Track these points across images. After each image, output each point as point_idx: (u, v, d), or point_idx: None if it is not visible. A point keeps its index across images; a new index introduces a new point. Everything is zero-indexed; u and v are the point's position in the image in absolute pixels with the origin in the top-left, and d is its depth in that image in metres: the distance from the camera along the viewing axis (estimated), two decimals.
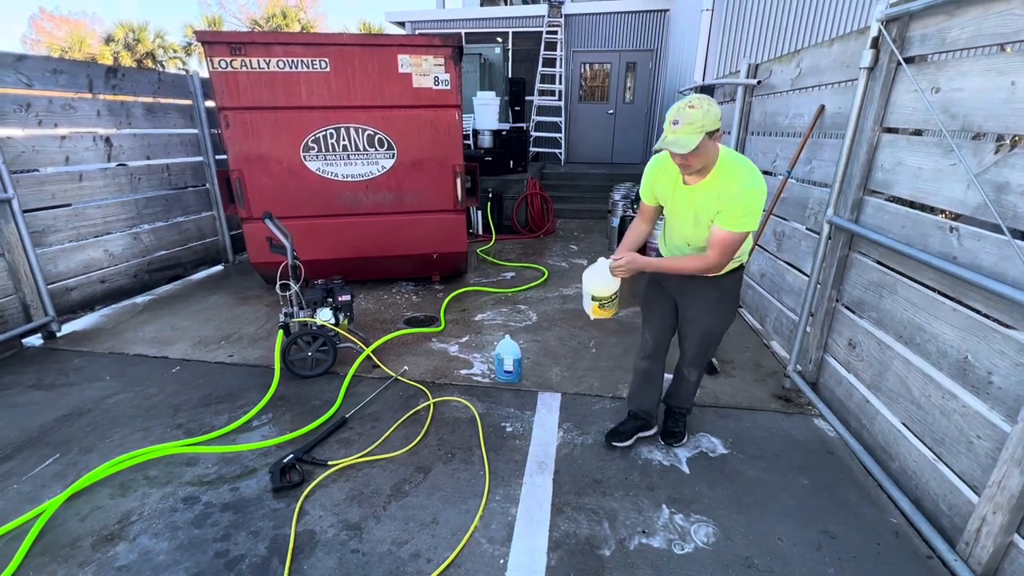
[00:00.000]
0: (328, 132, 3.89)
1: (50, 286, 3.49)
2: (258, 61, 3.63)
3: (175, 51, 21.39)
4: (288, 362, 2.85)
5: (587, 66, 9.82)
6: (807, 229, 2.96)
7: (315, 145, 3.90)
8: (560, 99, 9.26)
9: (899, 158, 2.11)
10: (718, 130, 1.65)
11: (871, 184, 2.30)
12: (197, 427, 2.43)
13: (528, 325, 3.67)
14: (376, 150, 3.99)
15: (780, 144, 3.38)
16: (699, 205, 1.81)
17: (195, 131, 4.87)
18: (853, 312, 2.42)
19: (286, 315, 2.95)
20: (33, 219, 3.43)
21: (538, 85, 9.16)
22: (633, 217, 4.83)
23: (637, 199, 5.26)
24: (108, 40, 20.75)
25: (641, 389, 2.32)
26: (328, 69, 3.72)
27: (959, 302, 1.78)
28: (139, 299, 4.20)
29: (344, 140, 3.93)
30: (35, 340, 3.41)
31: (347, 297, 3.10)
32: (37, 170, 3.56)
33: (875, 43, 2.18)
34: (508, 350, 2.85)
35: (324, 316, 2.94)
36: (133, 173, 4.24)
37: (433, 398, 2.68)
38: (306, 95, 3.76)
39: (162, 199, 4.53)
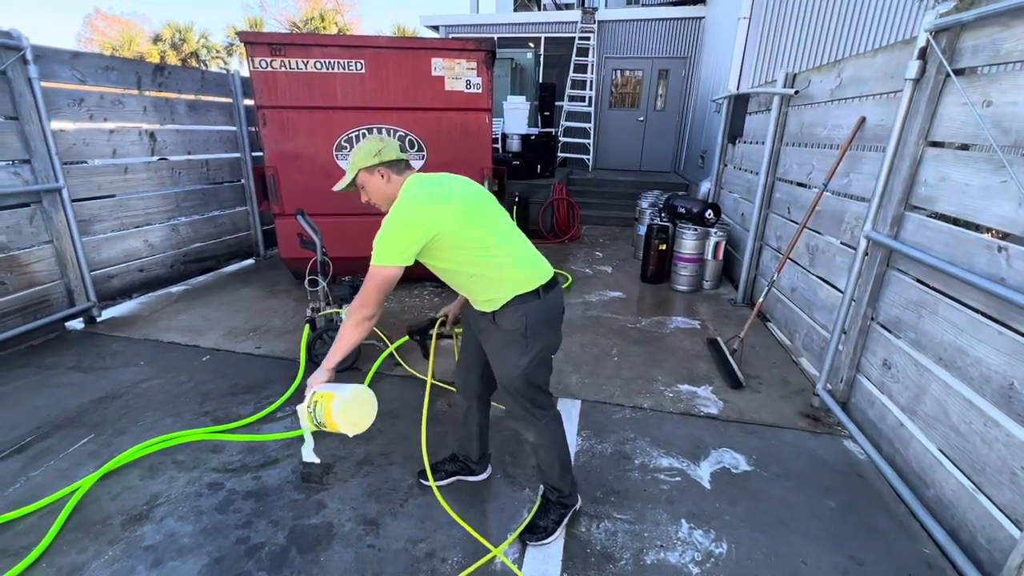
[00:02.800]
0: (361, 132, 3.96)
1: (93, 273, 3.64)
2: (296, 62, 3.73)
3: (218, 51, 22.16)
4: (313, 356, 2.91)
5: (618, 73, 9.77)
6: (842, 244, 2.87)
7: (348, 145, 3.98)
8: (590, 105, 9.23)
9: (944, 173, 2.03)
10: (377, 165, 1.56)
11: (913, 199, 2.22)
12: (224, 415, 2.50)
13: None
14: (407, 151, 4.05)
15: (816, 156, 3.29)
16: None
17: (234, 128, 5.02)
18: (889, 331, 2.33)
19: (313, 310, 3.01)
20: (81, 208, 3.59)
21: (568, 91, 9.16)
22: (660, 225, 4.79)
23: (665, 207, 5.20)
24: (156, 39, 21.65)
25: (460, 429, 2.08)
26: (363, 71, 3.80)
27: (1006, 325, 1.70)
28: (174, 288, 4.35)
29: None
30: (77, 324, 3.57)
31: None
32: (86, 162, 3.73)
33: (922, 54, 2.10)
34: None
35: None
36: (174, 167, 4.40)
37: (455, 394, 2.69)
38: (341, 96, 3.85)
39: (200, 193, 4.69)
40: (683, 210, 4.82)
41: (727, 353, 3.13)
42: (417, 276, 4.57)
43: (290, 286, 4.44)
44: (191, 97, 4.53)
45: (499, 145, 7.02)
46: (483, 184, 4.14)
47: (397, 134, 3.99)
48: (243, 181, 5.20)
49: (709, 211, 4.57)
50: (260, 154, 5.04)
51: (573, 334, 3.59)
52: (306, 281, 2.96)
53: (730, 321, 3.89)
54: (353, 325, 1.55)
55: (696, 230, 4.46)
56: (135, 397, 2.64)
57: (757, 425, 2.56)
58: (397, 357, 3.09)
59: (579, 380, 2.94)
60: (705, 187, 6.00)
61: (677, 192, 6.27)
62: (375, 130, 3.97)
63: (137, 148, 4.04)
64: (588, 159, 9.55)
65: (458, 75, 3.90)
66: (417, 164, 4.08)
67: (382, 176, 1.59)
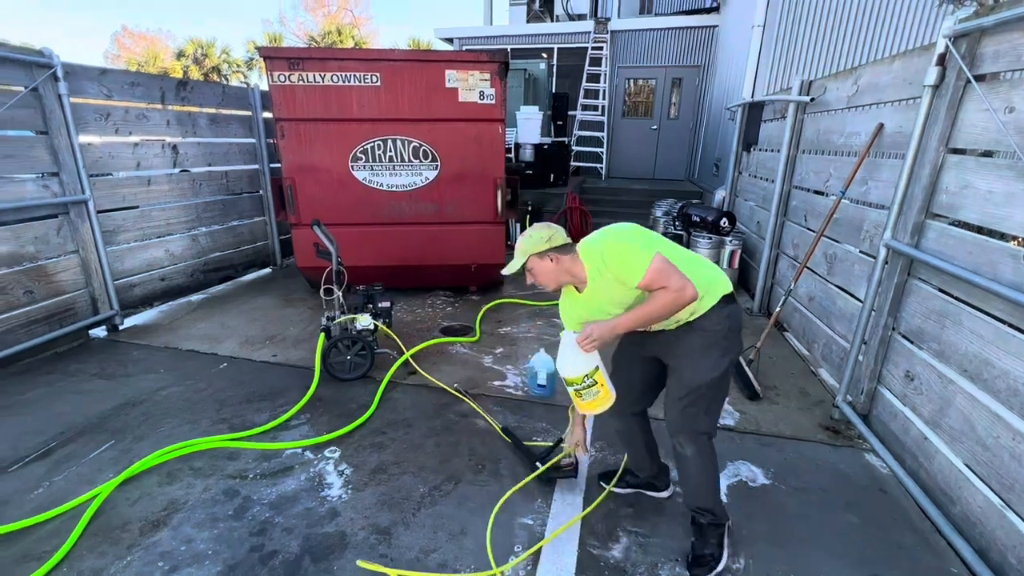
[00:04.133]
0: (376, 143, 4.02)
1: (116, 282, 3.73)
2: (314, 75, 3.81)
3: (238, 65, 22.73)
4: (328, 364, 2.94)
5: (631, 82, 9.79)
6: (861, 252, 2.82)
7: (363, 156, 4.04)
8: (603, 114, 9.25)
9: (966, 180, 1.99)
10: (548, 250, 1.65)
11: (934, 207, 2.17)
12: (240, 423, 2.53)
13: None
14: (421, 162, 4.10)
15: (834, 164, 3.25)
16: (603, 296, 1.67)
17: (253, 140, 5.14)
18: (911, 342, 2.27)
19: (328, 319, 3.04)
20: (105, 219, 3.69)
21: (581, 100, 9.19)
22: (675, 234, 4.76)
23: (679, 216, 5.17)
24: (179, 55, 22.29)
25: (626, 448, 2.08)
26: (379, 83, 3.87)
27: None
28: (194, 297, 4.44)
29: (391, 151, 4.06)
30: (100, 332, 3.66)
31: (386, 304, 3.17)
32: (110, 174, 3.85)
33: (942, 60, 2.07)
34: (542, 364, 2.83)
35: (363, 321, 3.01)
36: (195, 179, 4.51)
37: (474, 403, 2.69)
38: (357, 108, 3.91)
39: (220, 204, 4.80)
40: (697, 218, 4.78)
41: (743, 363, 3.09)
42: (429, 284, 4.61)
43: (306, 295, 4.50)
44: (212, 110, 4.65)
45: (512, 155, 7.07)
46: (496, 193, 4.18)
47: (412, 144, 4.04)
48: (261, 192, 5.30)
49: (724, 219, 4.53)
50: (278, 165, 5.15)
51: None
52: (322, 290, 3.00)
53: (746, 331, 3.81)
54: (672, 299, 1.51)
55: (711, 238, 4.42)
56: (154, 404, 2.69)
57: (775, 437, 2.51)
58: (413, 364, 3.10)
59: None
60: (719, 195, 5.95)
61: (691, 200, 6.23)
62: (390, 141, 4.02)
63: (160, 160, 4.15)
64: (601, 168, 9.55)
65: (472, 86, 3.95)
66: (432, 174, 4.13)
67: (551, 260, 1.68)
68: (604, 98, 9.20)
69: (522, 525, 1.92)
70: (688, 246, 4.59)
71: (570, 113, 9.10)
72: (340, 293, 3.02)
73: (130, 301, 3.93)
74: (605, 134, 9.39)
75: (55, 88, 3.22)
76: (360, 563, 1.71)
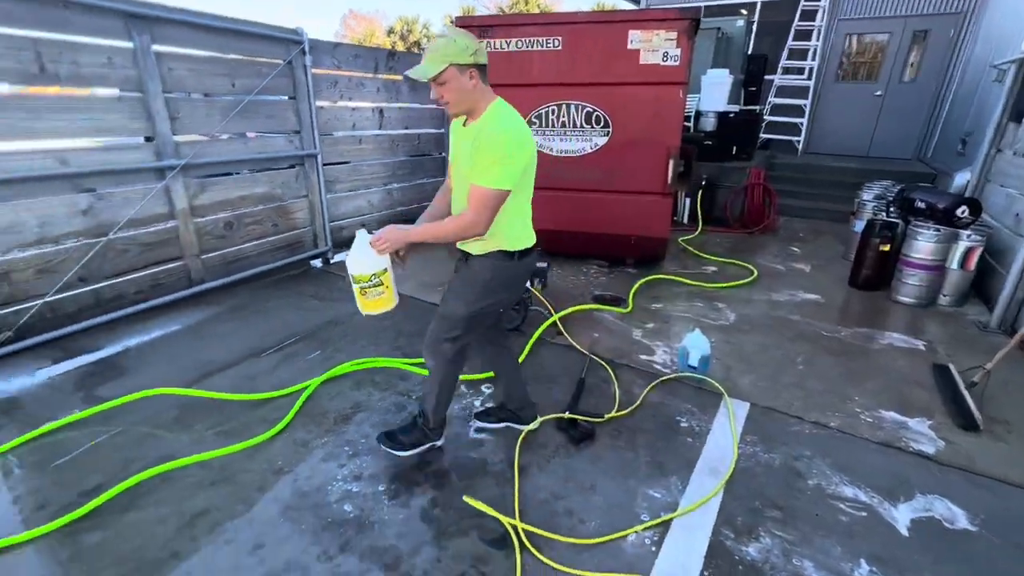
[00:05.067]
0: (550, 108, 4.10)
1: (331, 224, 4.54)
2: (500, 42, 4.00)
3: (433, 40, 24.98)
4: None
5: (853, 38, 8.17)
6: None
7: (537, 120, 4.16)
8: (809, 78, 7.95)
9: None
10: (471, 65, 1.53)
11: None
12: (411, 351, 2.92)
13: (724, 325, 3.36)
14: (592, 127, 4.06)
15: None
16: (465, 149, 1.65)
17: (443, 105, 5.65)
18: None
19: None
20: (327, 171, 4.47)
21: (784, 62, 8.01)
22: (886, 222, 3.94)
23: (896, 200, 4.27)
24: (389, 32, 25.35)
25: (494, 372, 2.22)
26: (560, 47, 3.89)
27: None
28: None
29: (564, 116, 4.09)
30: (317, 263, 4.51)
31: (543, 264, 3.29)
32: (331, 134, 4.62)
33: None
34: (696, 344, 2.67)
35: None
36: (394, 140, 5.17)
37: (614, 372, 2.69)
38: (536, 72, 4.01)
39: (410, 163, 5.44)
40: (923, 205, 3.89)
41: (961, 386, 2.50)
42: (586, 252, 4.61)
43: None
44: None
45: (691, 123, 6.55)
46: (667, 163, 3.95)
47: (585, 110, 4.02)
48: (444, 154, 5.84)
49: (963, 208, 3.60)
50: None
51: (751, 332, 3.24)
52: None
53: (973, 348, 3.06)
54: (461, 229, 1.62)
55: (938, 231, 3.58)
56: (351, 326, 3.26)
57: (992, 479, 2.01)
58: (560, 326, 3.19)
59: (752, 382, 2.67)
60: (961, 179, 4.73)
61: (919, 183, 5.08)
62: (564, 106, 4.06)
63: (369, 123, 4.84)
64: (798, 141, 8.29)
65: (655, 47, 3.73)
66: (601, 140, 4.07)
67: (471, 78, 1.54)
68: (813, 59, 7.87)
69: (651, 497, 1.89)
70: (903, 238, 3.78)
71: (767, 78, 8.01)
72: None
73: (339, 241, 4.74)
74: (809, 102, 8.07)
75: (303, 61, 3.95)
76: (466, 498, 1.85)
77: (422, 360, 2.75)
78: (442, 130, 5.73)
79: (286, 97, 3.99)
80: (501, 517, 1.77)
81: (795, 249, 5.16)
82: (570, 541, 1.69)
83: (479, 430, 2.25)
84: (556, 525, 1.75)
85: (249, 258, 3.91)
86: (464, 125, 1.70)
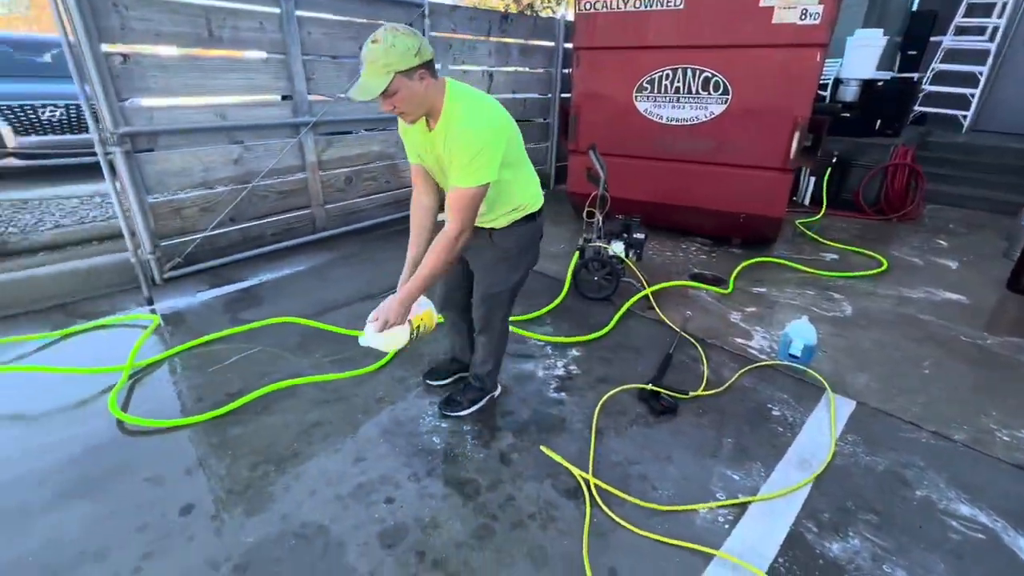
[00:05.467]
0: (664, 73, 3.89)
1: None
2: (618, 1, 3.84)
3: (547, 2, 24.32)
4: (577, 280, 3.22)
5: None
6: None
7: (649, 86, 3.97)
8: (991, 39, 6.63)
9: None
10: (419, 67, 1.38)
11: None
12: None
13: (837, 317, 3.07)
14: (709, 94, 3.79)
15: None
16: (440, 154, 1.56)
17: (551, 70, 5.59)
18: None
19: (584, 240, 3.28)
20: None
21: (958, 20, 6.74)
22: None
23: None
24: None
25: (448, 336, 2.28)
26: (681, 6, 3.64)
27: None
28: None
29: (678, 82, 3.87)
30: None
31: (641, 235, 3.21)
32: None
33: None
34: (801, 332, 2.49)
35: (616, 248, 3.14)
36: (502, 104, 5.22)
37: (703, 349, 2.61)
38: (653, 35, 3.81)
39: (528, 127, 5.48)
40: None
41: None
42: (687, 227, 4.39)
43: (569, 218, 4.89)
44: (522, 42, 5.21)
45: (827, 92, 5.82)
46: (792, 136, 3.59)
47: (703, 75, 3.76)
48: (548, 120, 5.81)
49: None
50: (566, 96, 5.52)
51: (869, 328, 2.93)
52: (585, 212, 3.22)
53: None
54: (450, 247, 1.56)
55: None
56: None
57: None
58: (652, 301, 3.13)
59: (863, 381, 2.44)
60: None
61: None
62: (680, 71, 3.82)
63: (480, 87, 4.92)
64: (964, 116, 7.03)
65: (792, 3, 3.35)
66: (718, 108, 3.80)
67: (421, 79, 1.38)
68: (1001, 16, 6.53)
69: (729, 478, 1.85)
70: None
71: (933, 39, 6.82)
72: (601, 218, 3.20)
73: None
74: (987, 68, 6.76)
75: (422, 24, 4.11)
76: (543, 448, 1.95)
77: (511, 317, 2.88)
78: (548, 95, 5.68)
79: None
80: (574, 470, 1.84)
81: (941, 242, 4.49)
82: (641, 504, 1.72)
83: (428, 388, 2.29)
84: (628, 488, 1.79)
85: (364, 211, 4.27)
86: (428, 128, 1.55)
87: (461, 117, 1.46)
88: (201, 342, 2.61)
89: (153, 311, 2.92)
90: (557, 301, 3.10)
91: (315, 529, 1.61)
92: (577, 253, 3.25)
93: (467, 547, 1.57)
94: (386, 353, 2.40)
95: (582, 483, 1.79)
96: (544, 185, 5.91)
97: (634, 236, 3.22)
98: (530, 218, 1.77)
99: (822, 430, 2.11)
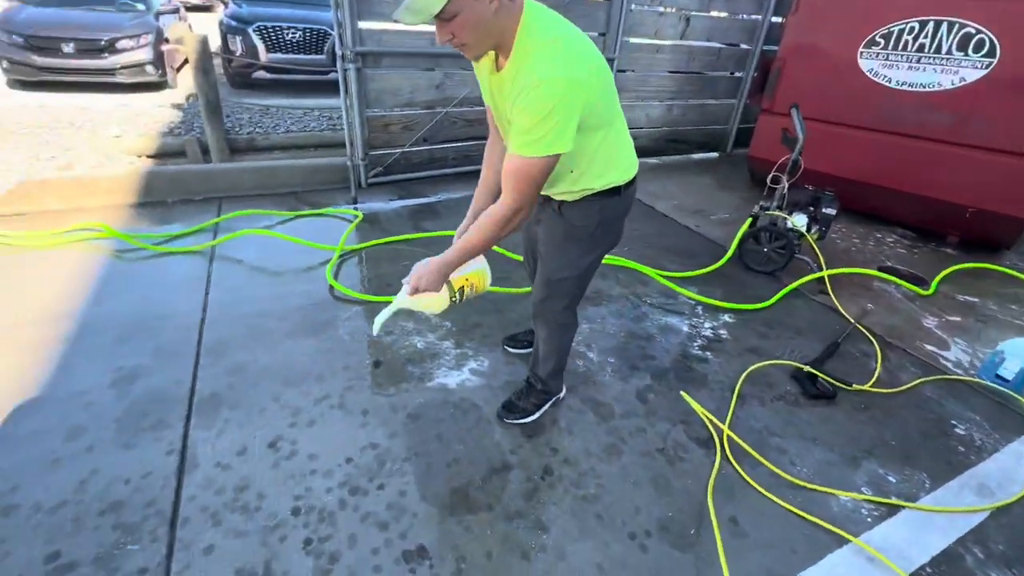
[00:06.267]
0: (908, 26, 3.26)
1: None
2: None
3: None
4: (743, 248, 3.04)
5: None
6: None
7: (882, 41, 3.38)
8: None
9: None
10: None
11: None
12: (654, 262, 3.02)
13: None
14: (965, 55, 3.11)
15: None
16: (506, 103, 1.20)
17: (757, 17, 5.01)
18: None
19: (761, 207, 3.05)
20: (617, 78, 4.57)
21: None
22: None
23: None
24: None
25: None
26: None
27: None
28: (650, 160, 5.17)
29: (924, 38, 3.23)
30: None
31: (831, 211, 2.88)
32: (628, 39, 4.61)
33: None
34: (1019, 353, 2.09)
35: (798, 221, 2.88)
36: (692, 52, 4.88)
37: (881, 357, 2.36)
38: None
39: (701, 80, 5.11)
40: None
41: None
42: (889, 214, 3.77)
43: (741, 184, 4.53)
44: None
45: None
46: None
47: (963, 31, 3.07)
48: (740, 74, 5.28)
49: None
50: (771, 48, 4.94)
51: None
52: (770, 177, 2.98)
53: None
54: (500, 225, 1.25)
55: None
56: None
57: None
58: (827, 285, 2.84)
59: None
60: None
61: None
62: (931, 24, 3.17)
63: (672, 31, 4.65)
64: None
65: None
66: (973, 74, 3.11)
67: (491, 1, 1.04)
68: None
69: (881, 476, 1.72)
70: None
71: None
72: (787, 185, 2.93)
73: None
74: None
75: None
76: (683, 394, 2.00)
77: (664, 272, 2.87)
78: (747, 46, 5.13)
79: None
80: (712, 418, 1.88)
81: None
82: (775, 470, 1.70)
83: (507, 352, 2.19)
84: (763, 454, 1.77)
85: None
86: (497, 68, 1.22)
87: (534, 61, 1.09)
88: (391, 240, 3.08)
89: (356, 208, 3.48)
90: (715, 265, 2.98)
91: (470, 405, 1.90)
92: (749, 220, 3.04)
93: (595, 457, 1.72)
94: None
95: (715, 435, 1.82)
96: (718, 148, 5.56)
97: (823, 211, 2.90)
98: (614, 192, 1.37)
99: (1020, 463, 1.81)
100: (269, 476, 1.56)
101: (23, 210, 3.02)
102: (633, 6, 4.23)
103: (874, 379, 2.17)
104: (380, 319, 1.40)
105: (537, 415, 1.85)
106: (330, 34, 6.52)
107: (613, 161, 1.33)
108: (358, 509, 1.48)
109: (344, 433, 1.73)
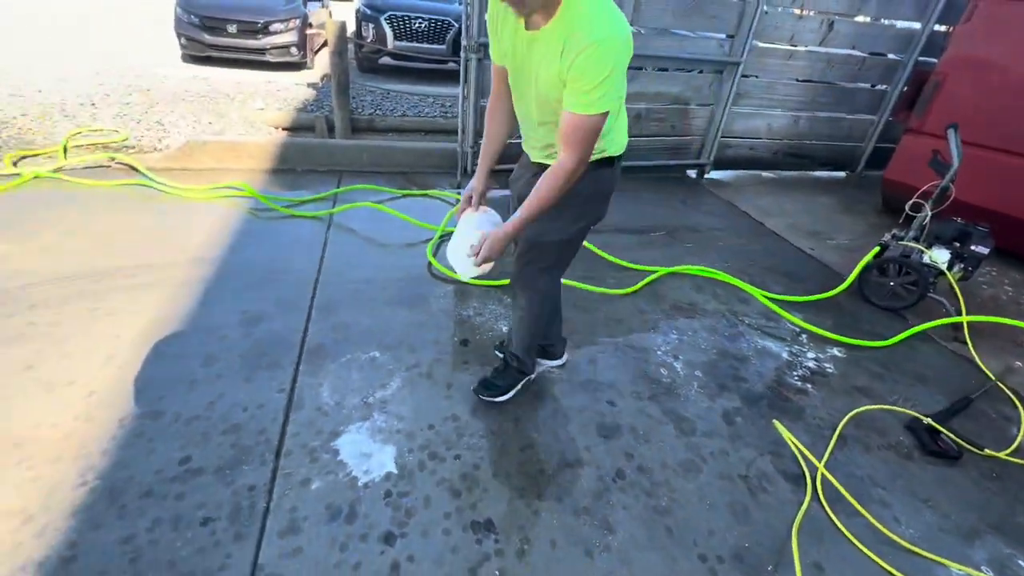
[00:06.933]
0: None
1: (720, 139, 4.48)
2: None
3: None
4: (864, 278, 2.76)
5: None
6: None
7: None
8: None
9: None
10: None
11: None
12: (758, 282, 2.84)
13: None
14: None
15: None
16: (540, 63, 1.20)
17: (916, 25, 4.46)
18: None
19: (893, 236, 2.74)
20: (741, 82, 4.31)
21: None
22: None
23: None
24: None
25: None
26: None
27: None
28: (765, 173, 4.83)
29: None
30: (691, 173, 4.63)
31: (983, 250, 2.51)
32: (758, 43, 4.31)
33: None
34: None
35: (938, 256, 2.55)
36: (831, 60, 4.46)
37: None
38: None
39: (837, 91, 4.66)
40: None
41: None
42: None
43: (869, 209, 4.10)
44: None
45: None
46: None
47: None
48: (886, 87, 4.74)
49: None
50: (928, 60, 4.41)
51: None
52: (909, 204, 2.66)
53: None
54: (566, 181, 1.28)
55: None
56: (707, 234, 3.37)
57: None
58: (964, 332, 2.48)
59: None
60: None
61: None
62: None
63: (811, 36, 4.28)
64: None
65: None
66: None
67: None
68: None
69: (1008, 556, 1.49)
70: None
71: None
72: (929, 215, 2.60)
73: (719, 158, 4.67)
74: None
75: None
76: (776, 423, 1.88)
77: (768, 294, 2.68)
78: (898, 56, 4.59)
79: None
80: (807, 452, 1.74)
81: None
82: (875, 524, 1.54)
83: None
84: (863, 504, 1.61)
85: (641, 151, 4.32)
86: (529, 27, 1.23)
87: (588, 22, 1.11)
88: None
89: (459, 192, 3.63)
90: (829, 293, 2.73)
91: (549, 396, 1.92)
92: (876, 249, 2.74)
93: (671, 470, 1.67)
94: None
95: (807, 472, 1.68)
96: (847, 166, 5.06)
97: (972, 248, 2.54)
98: (607, 162, 1.44)
99: None
100: (359, 428, 1.69)
101: (186, 166, 3.51)
102: (766, 8, 3.95)
103: (1014, 447, 1.88)
104: (466, 273, 1.46)
105: (511, 394, 1.86)
106: (453, 25, 6.80)
107: (612, 131, 1.38)
108: (435, 473, 1.57)
109: (429, 401, 1.83)
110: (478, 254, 1.38)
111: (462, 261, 1.45)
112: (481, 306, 2.40)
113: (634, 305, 2.55)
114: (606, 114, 1.19)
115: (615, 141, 1.41)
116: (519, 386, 1.89)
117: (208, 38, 6.56)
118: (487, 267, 1.44)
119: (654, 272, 2.80)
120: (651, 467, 1.67)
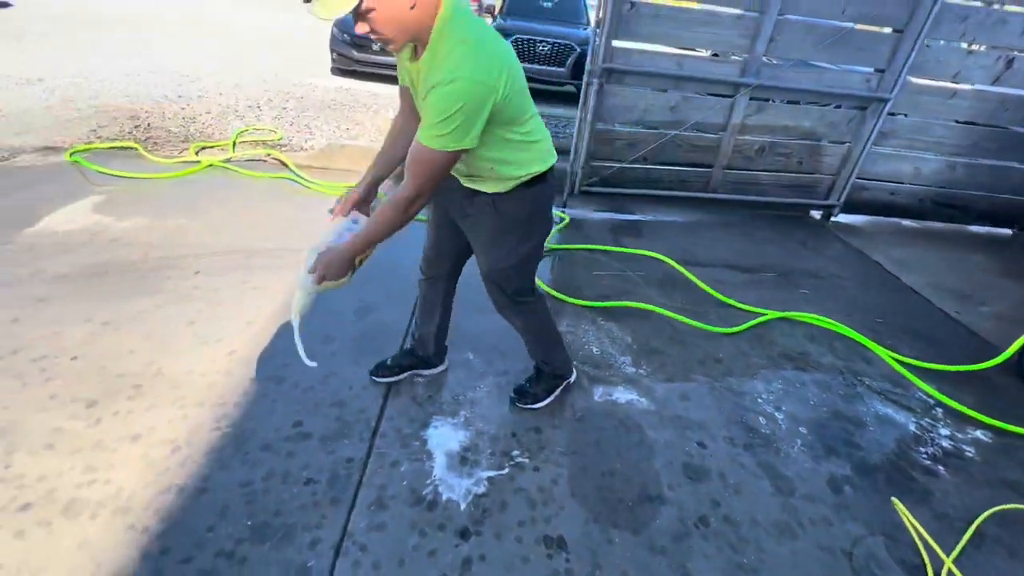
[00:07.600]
0: None
1: (855, 180, 4.09)
2: None
3: None
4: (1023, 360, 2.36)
5: None
6: None
7: None
8: None
9: None
10: None
11: None
12: (885, 341, 2.53)
13: None
14: None
15: None
16: (421, 90, 1.21)
17: None
18: None
19: None
20: (886, 121, 3.91)
21: None
22: None
23: None
24: None
25: (418, 313, 1.89)
26: None
27: None
28: (905, 222, 4.32)
29: None
30: (815, 213, 4.27)
31: None
32: (913, 80, 3.88)
33: None
34: None
35: None
36: (1004, 101, 3.91)
37: None
38: None
39: (1006, 136, 4.06)
40: None
41: None
42: None
43: None
44: None
45: None
46: None
47: None
48: None
49: None
50: None
51: None
52: None
53: None
54: (402, 213, 1.28)
55: None
56: (824, 282, 3.09)
57: None
58: None
59: None
60: None
61: None
62: None
63: (981, 74, 3.78)
64: None
65: None
66: None
67: None
68: None
69: None
70: None
71: None
72: None
73: (852, 201, 4.26)
74: None
75: None
76: (895, 500, 1.68)
77: (899, 356, 2.40)
78: None
79: (890, 29, 3.57)
80: (932, 542, 1.52)
81: None
82: None
83: (375, 382, 1.90)
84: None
85: (761, 185, 4.09)
86: (415, 55, 1.23)
87: (444, 60, 1.13)
88: (589, 248, 3.18)
89: (564, 211, 3.68)
90: (978, 366, 2.36)
91: (635, 425, 1.88)
92: None
93: (761, 528, 1.55)
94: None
95: (930, 565, 1.47)
96: (1013, 223, 4.35)
97: None
98: (539, 178, 1.42)
99: None
100: (449, 423, 1.78)
101: (326, 165, 3.95)
102: (927, 42, 3.57)
103: None
104: (299, 309, 1.42)
105: (548, 400, 1.90)
106: (575, 49, 6.96)
107: (531, 151, 1.38)
108: (513, 480, 1.60)
109: (514, 409, 1.88)
110: (321, 278, 1.37)
111: (303, 278, 1.39)
112: (575, 323, 2.42)
113: (736, 346, 2.41)
114: (454, 153, 1.19)
115: (525, 166, 1.38)
116: (557, 391, 1.93)
117: (357, 54, 7.35)
118: (331, 285, 1.40)
119: (763, 314, 2.63)
120: (739, 520, 1.56)
